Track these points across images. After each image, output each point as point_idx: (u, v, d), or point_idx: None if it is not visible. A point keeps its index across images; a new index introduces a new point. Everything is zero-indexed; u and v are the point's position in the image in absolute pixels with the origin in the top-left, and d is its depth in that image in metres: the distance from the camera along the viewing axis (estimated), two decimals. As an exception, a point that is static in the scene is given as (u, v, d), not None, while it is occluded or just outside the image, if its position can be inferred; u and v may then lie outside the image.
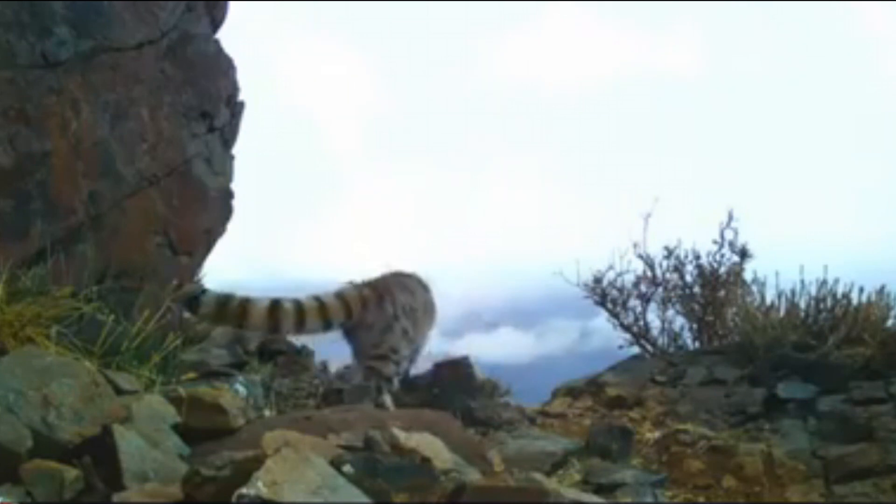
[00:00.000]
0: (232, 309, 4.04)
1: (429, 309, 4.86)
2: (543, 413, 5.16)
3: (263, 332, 4.79)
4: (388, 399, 4.28)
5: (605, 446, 4.29)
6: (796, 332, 5.44)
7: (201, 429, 2.69)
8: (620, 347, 6.70)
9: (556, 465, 4.07)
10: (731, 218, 6.56)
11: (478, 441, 3.89)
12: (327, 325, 4.34)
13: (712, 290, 6.33)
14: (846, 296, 5.48)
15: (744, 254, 6.44)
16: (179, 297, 4.12)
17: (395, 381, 4.49)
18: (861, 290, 5.53)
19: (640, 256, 6.70)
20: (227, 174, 5.96)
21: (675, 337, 6.52)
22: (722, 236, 6.53)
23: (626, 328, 6.66)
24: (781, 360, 5.27)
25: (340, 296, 4.38)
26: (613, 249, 6.67)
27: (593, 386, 5.51)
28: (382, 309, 4.40)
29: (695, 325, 6.38)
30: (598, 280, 6.71)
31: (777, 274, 5.93)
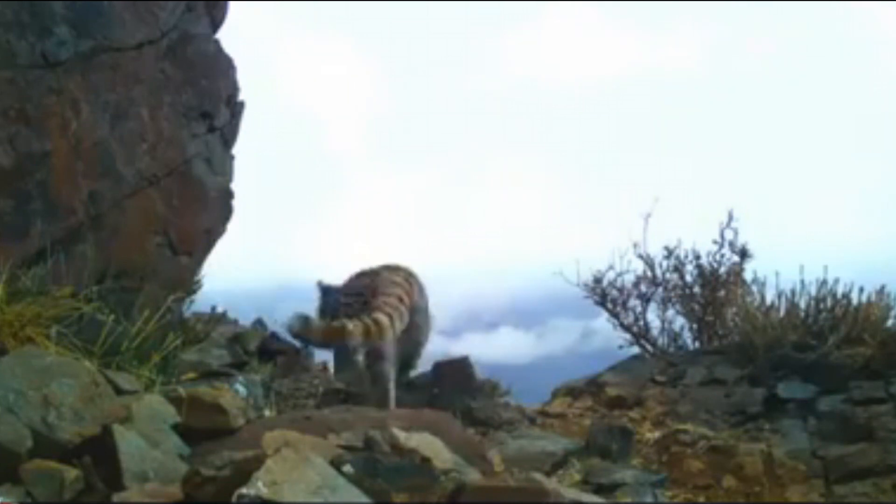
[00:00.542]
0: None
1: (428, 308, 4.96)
2: (543, 413, 5.16)
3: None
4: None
5: (605, 446, 4.29)
6: (796, 332, 5.44)
7: (201, 429, 2.69)
8: (620, 347, 6.70)
9: (557, 465, 4.08)
10: (731, 218, 6.56)
11: (478, 441, 3.89)
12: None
13: (712, 290, 6.33)
14: (846, 296, 5.48)
15: (744, 254, 6.44)
16: (297, 332, 4.39)
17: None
18: (861, 290, 5.53)
19: (640, 256, 6.71)
20: (227, 174, 5.95)
21: (675, 337, 6.52)
22: (722, 236, 6.54)
23: (626, 328, 6.66)
24: (781, 360, 5.27)
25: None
26: (613, 249, 6.67)
27: (593, 386, 5.51)
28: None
29: (695, 325, 6.38)
30: (598, 280, 6.71)
31: (777, 274, 5.93)
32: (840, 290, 5.49)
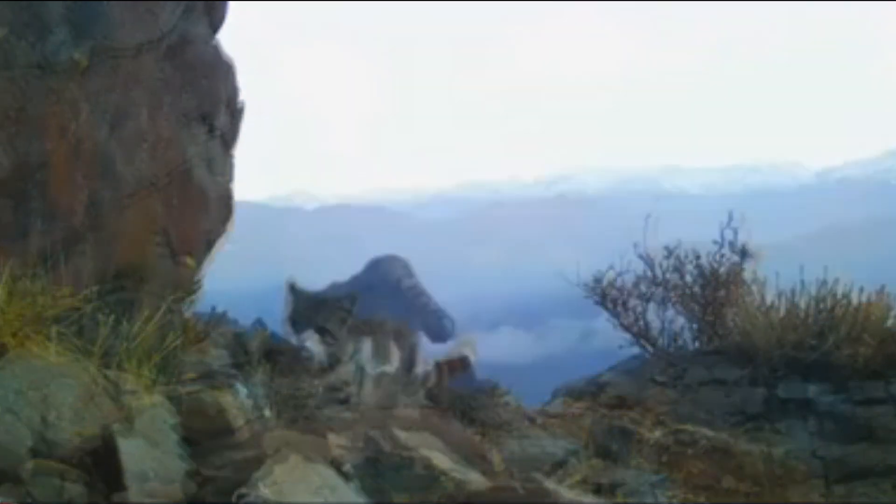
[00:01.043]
0: None
1: None
2: (544, 413, 5.15)
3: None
4: None
5: (605, 447, 4.29)
6: (796, 332, 5.42)
7: (201, 429, 2.69)
8: (620, 347, 6.69)
9: (557, 465, 4.07)
10: (730, 218, 6.55)
11: (478, 441, 3.88)
12: None
13: (713, 290, 6.31)
14: (846, 296, 5.46)
15: (744, 254, 6.42)
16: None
17: None
18: (861, 289, 5.52)
19: (641, 256, 6.69)
20: (227, 176, 5.96)
21: (675, 337, 6.50)
22: (722, 236, 6.53)
23: (627, 328, 6.65)
24: (781, 360, 5.26)
25: None
26: (613, 249, 6.67)
27: (593, 386, 5.50)
28: None
29: (695, 326, 6.36)
30: (598, 280, 6.71)
31: (777, 274, 5.93)
32: (840, 290, 5.48)
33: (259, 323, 5.54)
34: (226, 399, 2.84)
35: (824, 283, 5.52)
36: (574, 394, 5.49)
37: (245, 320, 6.01)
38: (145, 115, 4.98)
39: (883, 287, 5.58)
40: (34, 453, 2.29)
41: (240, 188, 6.14)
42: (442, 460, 2.69)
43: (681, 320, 6.52)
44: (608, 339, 7.07)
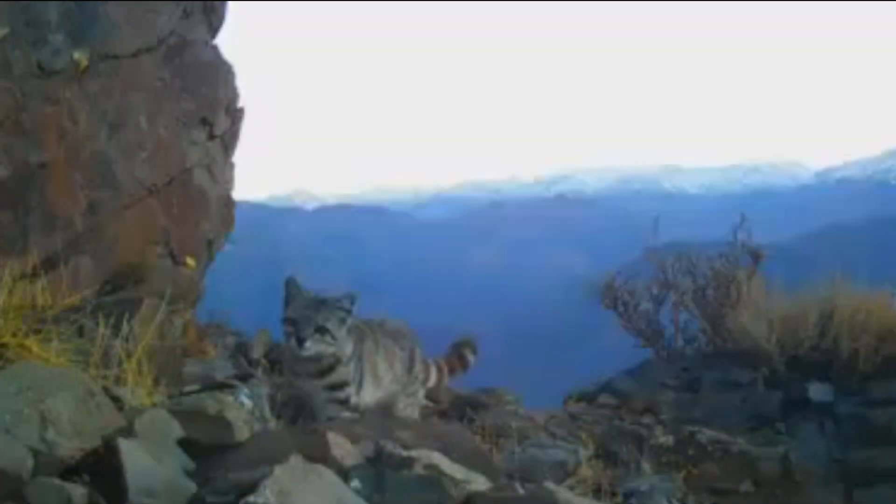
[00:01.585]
0: None
1: None
2: (549, 416, 5.08)
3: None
4: None
5: (617, 453, 4.22)
6: (811, 333, 5.37)
7: (206, 443, 2.62)
8: (634, 347, 6.65)
9: (568, 472, 4.00)
10: (743, 219, 6.52)
11: (487, 450, 3.81)
12: None
13: (725, 291, 6.27)
14: (860, 294, 5.42)
15: (756, 255, 6.39)
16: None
17: None
18: (875, 287, 5.48)
19: (652, 259, 6.67)
20: (227, 179, 5.91)
21: (688, 340, 6.47)
22: (735, 237, 6.50)
23: (639, 331, 6.61)
24: (796, 361, 5.21)
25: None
26: (614, 249, 6.65)
27: (605, 391, 5.45)
28: None
29: (708, 328, 6.31)
30: (609, 283, 6.68)
31: (790, 274, 5.89)
32: (854, 289, 5.43)
33: (263, 331, 5.49)
34: (230, 411, 2.76)
35: (837, 282, 5.47)
36: (586, 399, 5.43)
37: (245, 320, 5.99)
38: (144, 119, 4.94)
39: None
40: (35, 472, 2.21)
41: (240, 188, 6.11)
42: (451, 471, 2.62)
43: (693, 323, 6.48)
44: (614, 341, 7.04)
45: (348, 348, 3.43)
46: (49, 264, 3.91)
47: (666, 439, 4.55)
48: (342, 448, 2.56)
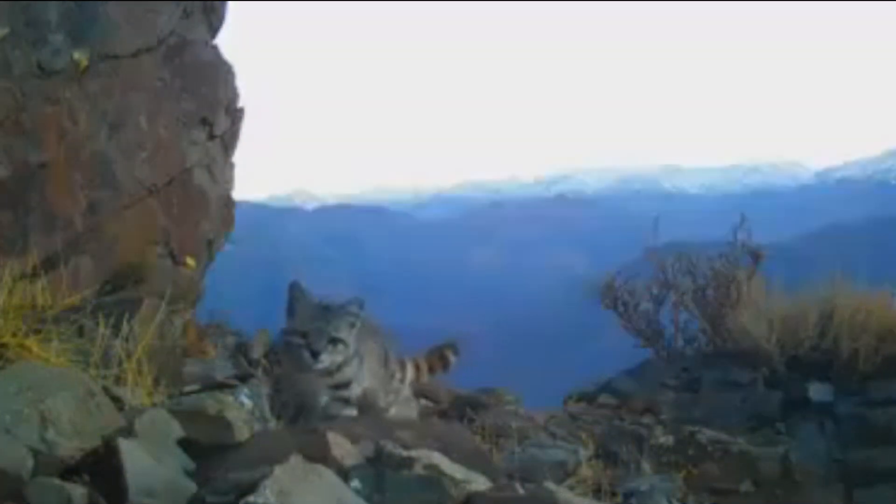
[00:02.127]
0: None
1: None
2: (549, 416, 5.08)
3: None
4: None
5: (617, 453, 4.21)
6: (811, 333, 5.37)
7: (206, 443, 2.62)
8: (634, 347, 6.65)
9: (568, 472, 3.99)
10: (743, 219, 6.52)
11: (487, 450, 3.81)
12: None
13: (725, 291, 6.27)
14: (860, 294, 5.42)
15: (756, 255, 6.39)
16: None
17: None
18: (875, 287, 5.47)
19: (652, 259, 6.66)
20: (227, 179, 5.91)
21: (688, 340, 6.46)
22: (735, 237, 6.49)
23: (639, 331, 6.60)
24: (797, 361, 5.20)
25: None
26: (614, 249, 6.66)
27: (605, 391, 5.44)
28: None
29: (708, 328, 6.31)
30: (609, 283, 6.67)
31: (790, 274, 5.89)
32: (854, 289, 5.43)
33: (262, 331, 5.49)
34: (230, 411, 2.76)
35: (838, 282, 5.47)
36: (585, 399, 5.43)
37: (245, 320, 5.98)
38: (144, 119, 4.94)
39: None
40: (35, 472, 2.21)
41: (240, 188, 6.11)
42: (451, 471, 2.62)
43: (693, 322, 6.48)
44: (614, 341, 7.04)
45: (352, 347, 3.35)
46: (49, 264, 3.90)
47: (666, 439, 4.54)
48: (342, 448, 2.56)
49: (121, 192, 4.75)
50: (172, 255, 5.20)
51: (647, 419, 4.97)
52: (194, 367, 4.14)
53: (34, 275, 3.65)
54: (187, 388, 3.41)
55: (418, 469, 2.47)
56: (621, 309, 6.60)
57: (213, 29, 5.75)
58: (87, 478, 2.23)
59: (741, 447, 4.26)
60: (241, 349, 5.11)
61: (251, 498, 1.89)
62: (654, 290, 6.57)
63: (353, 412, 3.38)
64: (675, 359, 6.25)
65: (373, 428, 3.01)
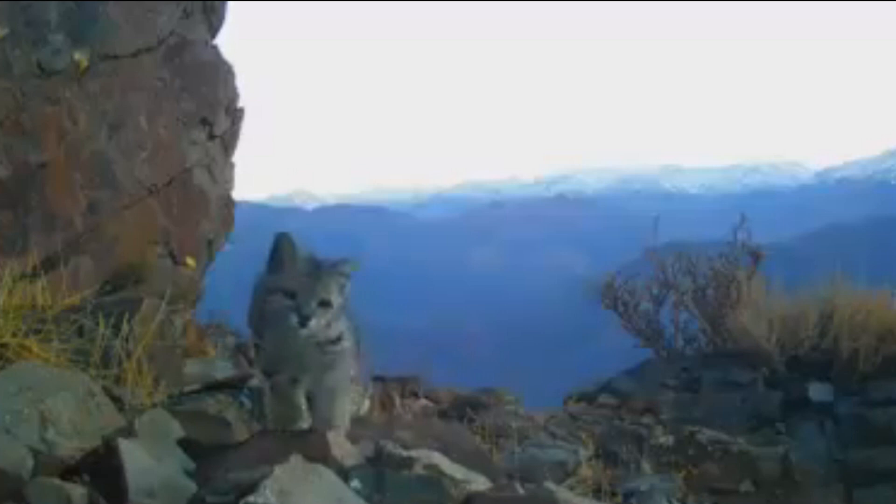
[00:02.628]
0: None
1: None
2: (550, 416, 5.08)
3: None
4: None
5: (617, 453, 4.21)
6: (811, 333, 5.36)
7: (206, 443, 2.62)
8: (634, 347, 6.64)
9: (568, 472, 3.99)
10: (743, 219, 6.52)
11: (487, 450, 3.81)
12: None
13: (725, 291, 6.26)
14: (860, 294, 5.41)
15: (756, 255, 6.39)
16: None
17: None
18: (875, 287, 5.47)
19: (652, 259, 6.66)
20: (227, 179, 5.91)
21: (688, 340, 6.46)
22: (734, 237, 6.49)
23: (639, 331, 6.60)
24: (797, 361, 5.20)
25: None
26: (614, 249, 6.66)
27: (605, 391, 5.44)
28: None
29: (708, 328, 6.30)
30: (609, 283, 6.67)
31: (790, 274, 5.89)
32: (854, 289, 5.43)
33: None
34: (230, 412, 2.77)
35: (838, 282, 5.47)
36: (585, 399, 5.42)
37: (245, 321, 5.95)
38: (144, 119, 4.94)
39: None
40: (35, 472, 2.21)
41: (240, 188, 6.11)
42: (451, 471, 2.62)
43: (694, 322, 6.47)
44: (614, 341, 7.03)
45: (336, 303, 2.84)
46: (49, 264, 3.90)
47: (666, 439, 4.54)
48: (342, 448, 2.56)
49: (121, 192, 4.74)
50: (172, 255, 5.20)
51: (647, 419, 4.96)
52: (194, 367, 4.14)
53: (34, 275, 3.64)
54: (187, 389, 3.40)
55: (418, 469, 2.47)
56: (621, 309, 6.60)
57: (213, 29, 5.75)
58: (87, 478, 2.23)
59: (741, 447, 4.26)
60: (241, 349, 5.11)
61: (251, 498, 1.89)
62: (654, 290, 6.57)
63: (346, 366, 2.88)
64: (675, 359, 6.25)
65: (373, 429, 3.01)
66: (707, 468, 4.17)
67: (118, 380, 3.10)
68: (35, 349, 2.88)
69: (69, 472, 2.27)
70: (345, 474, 2.30)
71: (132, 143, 4.86)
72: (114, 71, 4.72)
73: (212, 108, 5.63)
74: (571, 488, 3.67)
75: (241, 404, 3.44)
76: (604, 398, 5.50)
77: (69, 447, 2.32)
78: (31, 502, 2.09)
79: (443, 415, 4.62)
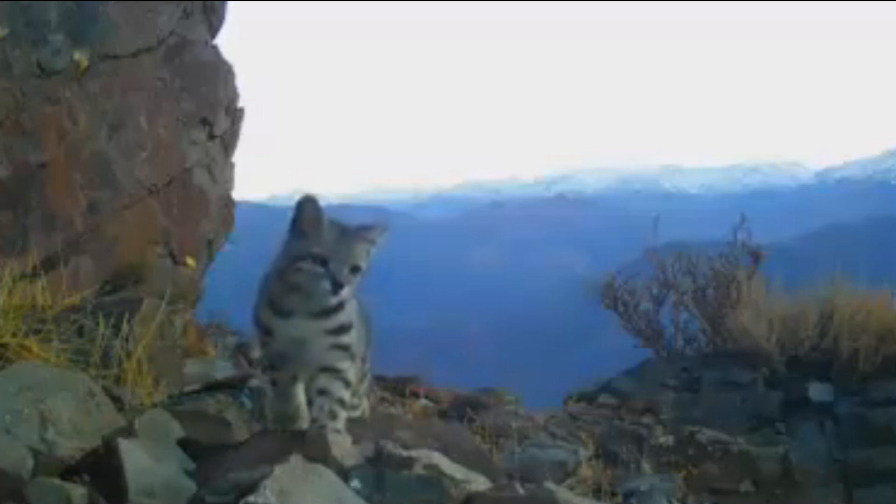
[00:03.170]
0: None
1: None
2: (550, 416, 5.08)
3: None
4: None
5: (617, 453, 4.21)
6: (811, 333, 5.37)
7: (206, 443, 2.61)
8: (634, 347, 6.65)
9: (568, 472, 3.99)
10: (743, 219, 6.52)
11: (487, 450, 3.81)
12: None
13: (725, 291, 6.27)
14: (860, 294, 5.41)
15: (756, 255, 6.39)
16: None
17: None
18: (875, 287, 5.47)
19: (652, 259, 6.67)
20: (227, 179, 5.91)
21: (688, 340, 6.46)
22: (734, 237, 6.50)
23: (639, 331, 6.60)
24: (797, 361, 5.20)
25: None
26: (613, 249, 6.67)
27: (605, 391, 5.44)
28: None
29: (708, 328, 6.31)
30: (609, 283, 6.67)
31: (790, 274, 5.89)
32: (854, 289, 5.43)
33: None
34: (230, 412, 2.76)
35: (837, 282, 5.47)
36: (585, 399, 5.42)
37: (245, 320, 5.95)
38: (144, 119, 4.94)
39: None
40: (35, 472, 2.21)
41: (240, 188, 6.11)
42: (451, 471, 2.61)
43: (694, 322, 6.48)
44: (614, 341, 7.03)
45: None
46: (49, 264, 3.90)
47: (666, 439, 4.54)
48: (342, 448, 2.56)
49: (121, 192, 4.74)
50: (172, 255, 5.20)
51: (647, 419, 4.96)
52: (194, 367, 4.14)
53: (34, 275, 3.64)
54: (187, 389, 3.40)
55: (418, 469, 2.46)
56: (621, 309, 6.60)
57: (213, 29, 5.75)
58: (87, 478, 2.23)
59: (741, 447, 4.26)
60: (240, 349, 5.11)
61: (251, 498, 1.89)
62: (654, 290, 6.57)
63: (350, 364, 2.73)
64: (675, 359, 6.25)
65: (373, 428, 3.00)
66: (707, 468, 4.17)
67: (118, 380, 3.09)
68: (35, 349, 2.88)
69: (69, 472, 2.27)
70: (345, 474, 2.30)
71: (132, 143, 4.86)
72: (114, 71, 4.72)
73: (212, 108, 5.63)
74: (571, 488, 3.68)
75: (241, 404, 3.43)
76: (604, 398, 5.50)
77: (69, 447, 2.32)
78: (31, 502, 2.09)
79: (443, 415, 4.62)
